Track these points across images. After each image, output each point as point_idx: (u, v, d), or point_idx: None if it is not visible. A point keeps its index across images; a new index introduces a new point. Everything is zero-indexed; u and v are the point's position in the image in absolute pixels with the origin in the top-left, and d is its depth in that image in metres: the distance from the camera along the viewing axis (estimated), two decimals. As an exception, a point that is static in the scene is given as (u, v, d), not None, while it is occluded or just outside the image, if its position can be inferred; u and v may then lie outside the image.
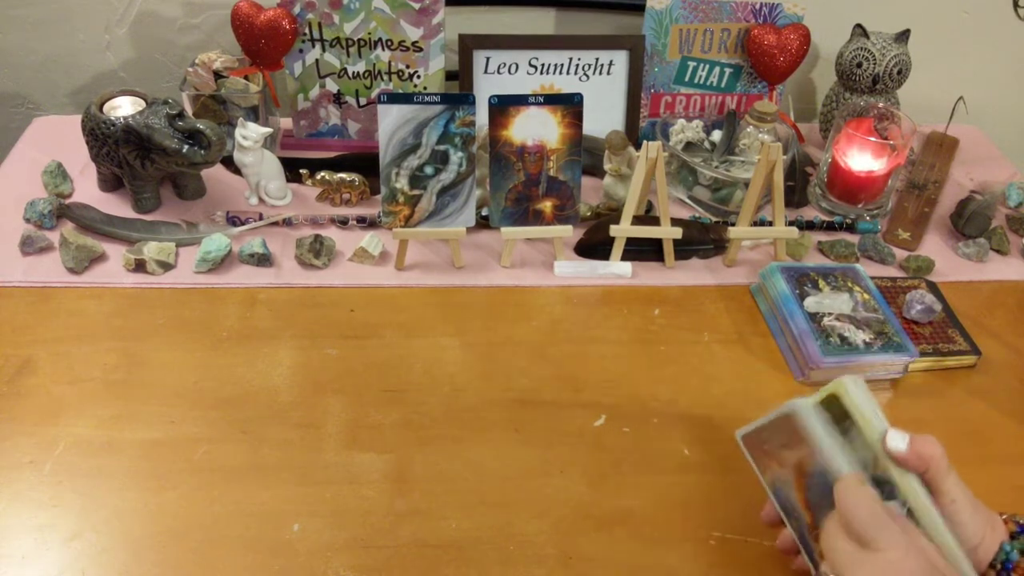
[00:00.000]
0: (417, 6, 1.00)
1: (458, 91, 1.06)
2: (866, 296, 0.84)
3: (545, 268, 0.92)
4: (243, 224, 0.95)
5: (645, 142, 0.86)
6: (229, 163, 1.00)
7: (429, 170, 0.87)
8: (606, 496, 0.68)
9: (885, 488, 0.53)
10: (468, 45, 1.04)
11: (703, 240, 0.95)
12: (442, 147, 0.86)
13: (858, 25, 1.07)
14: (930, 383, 0.82)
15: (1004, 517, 0.56)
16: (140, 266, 0.88)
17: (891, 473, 0.53)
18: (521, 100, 0.87)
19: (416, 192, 0.87)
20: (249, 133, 0.93)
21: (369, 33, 1.02)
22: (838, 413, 0.55)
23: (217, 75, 1.03)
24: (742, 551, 0.65)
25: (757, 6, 1.06)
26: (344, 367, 0.79)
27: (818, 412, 0.55)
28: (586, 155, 0.94)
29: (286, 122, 1.12)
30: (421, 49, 1.03)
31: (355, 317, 0.85)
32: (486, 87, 1.06)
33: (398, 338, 0.82)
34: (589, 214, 0.98)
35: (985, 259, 0.98)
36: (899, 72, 1.07)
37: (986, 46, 1.24)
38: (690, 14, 1.06)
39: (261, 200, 0.99)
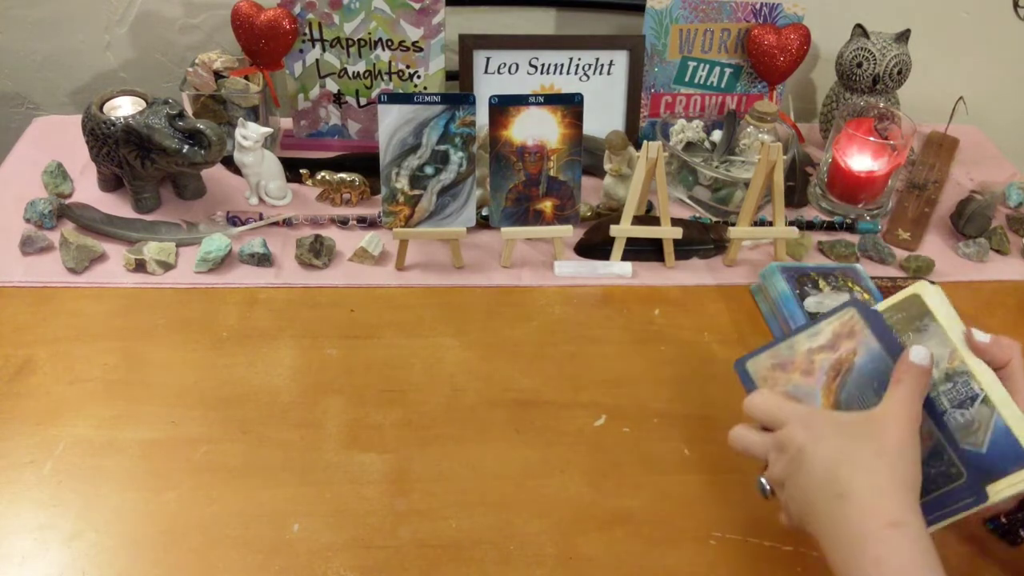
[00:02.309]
0: (417, 6, 1.00)
1: (458, 91, 1.06)
2: (866, 296, 0.84)
3: (545, 268, 0.92)
4: (243, 224, 0.95)
5: (645, 142, 0.86)
6: (229, 163, 1.00)
7: (429, 170, 0.87)
8: (606, 496, 0.68)
9: (958, 381, 0.55)
10: (468, 45, 1.04)
11: (703, 240, 0.95)
12: (442, 147, 0.86)
13: (858, 25, 1.07)
14: (930, 383, 0.81)
15: None
16: (140, 266, 0.88)
17: (968, 364, 0.55)
18: (521, 100, 0.87)
19: (416, 192, 0.87)
20: (249, 133, 0.93)
21: (369, 33, 1.02)
22: (915, 312, 0.60)
23: (217, 75, 1.03)
24: (742, 551, 0.65)
25: (757, 6, 1.06)
26: (344, 367, 0.79)
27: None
28: (586, 155, 0.94)
29: (286, 122, 1.12)
30: (421, 49, 1.03)
31: (355, 317, 0.84)
32: (486, 87, 1.06)
33: (398, 338, 0.82)
34: (589, 214, 0.98)
35: (985, 259, 0.98)
36: (899, 72, 1.07)
37: (986, 46, 1.24)
38: (690, 14, 1.06)
39: (261, 200, 0.99)
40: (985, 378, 0.55)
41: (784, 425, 0.55)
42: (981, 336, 0.56)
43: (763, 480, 0.57)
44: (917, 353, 0.54)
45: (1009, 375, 0.55)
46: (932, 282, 0.56)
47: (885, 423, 0.52)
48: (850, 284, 0.85)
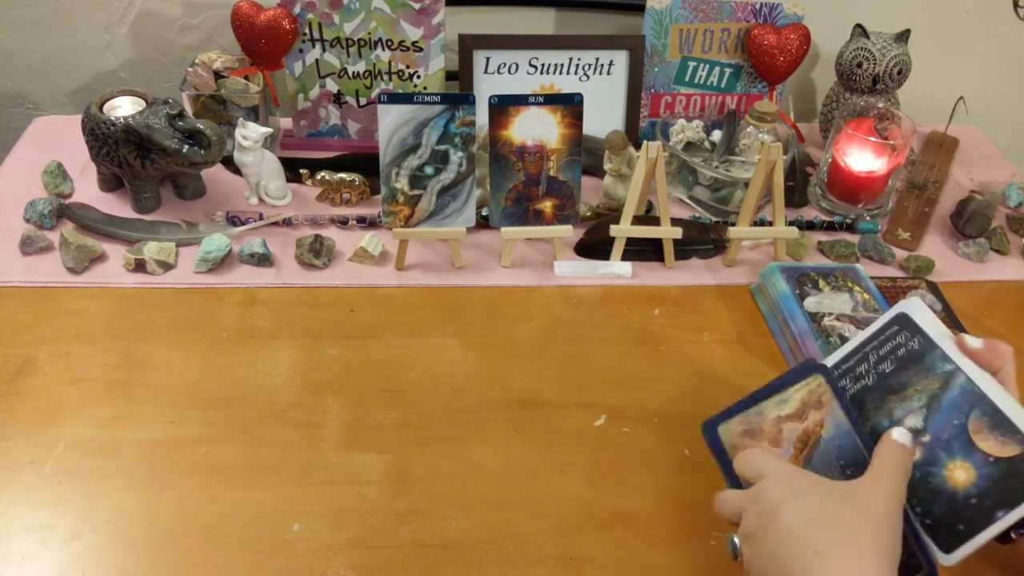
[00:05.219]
0: (417, 6, 1.00)
1: (458, 91, 1.06)
2: (866, 296, 0.84)
3: (545, 268, 0.92)
4: (243, 224, 0.95)
5: (645, 142, 0.86)
6: (229, 163, 1.00)
7: (429, 170, 0.87)
8: (606, 496, 0.68)
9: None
10: (468, 45, 1.04)
11: (703, 240, 0.95)
12: (442, 147, 0.86)
13: (858, 25, 1.07)
14: (930, 383, 0.82)
15: None
16: (140, 266, 0.88)
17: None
18: (521, 100, 0.87)
19: (416, 192, 0.87)
20: (249, 133, 0.93)
21: (369, 33, 1.02)
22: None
23: (217, 75, 1.03)
24: (742, 551, 0.65)
25: (757, 6, 1.06)
26: (344, 367, 0.79)
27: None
28: (586, 155, 0.94)
29: (286, 122, 1.12)
30: (421, 49, 1.03)
31: (355, 317, 0.85)
32: (486, 87, 1.06)
33: (398, 338, 0.82)
34: (589, 214, 0.98)
35: (985, 259, 0.98)
36: (899, 72, 1.07)
37: (986, 46, 1.24)
38: (690, 14, 1.06)
39: (261, 200, 0.99)
40: (983, 381, 0.54)
41: (764, 477, 0.54)
42: (974, 342, 0.56)
43: (735, 539, 0.54)
44: (900, 434, 0.54)
45: (1001, 381, 0.55)
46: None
47: (869, 493, 0.51)
48: (850, 284, 0.85)
